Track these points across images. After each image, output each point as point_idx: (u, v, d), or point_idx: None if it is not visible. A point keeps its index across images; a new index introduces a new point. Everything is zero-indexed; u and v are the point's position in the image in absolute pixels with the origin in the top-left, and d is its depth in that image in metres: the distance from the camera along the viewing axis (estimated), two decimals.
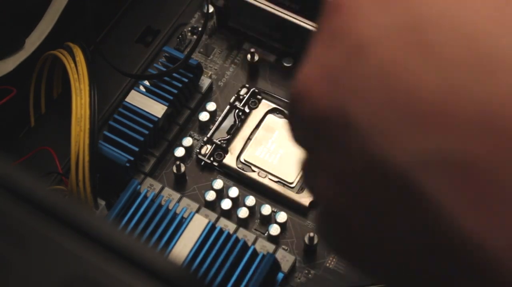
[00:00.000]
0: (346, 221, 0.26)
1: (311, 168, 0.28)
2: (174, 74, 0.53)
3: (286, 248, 0.50)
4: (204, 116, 0.54)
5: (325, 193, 0.27)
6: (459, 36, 0.23)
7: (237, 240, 0.47)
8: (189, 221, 0.48)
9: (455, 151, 0.22)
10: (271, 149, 0.53)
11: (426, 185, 0.23)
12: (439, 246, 0.23)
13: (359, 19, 0.25)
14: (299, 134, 0.28)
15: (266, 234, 0.50)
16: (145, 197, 0.49)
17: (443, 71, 0.23)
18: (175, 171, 0.52)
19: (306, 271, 0.49)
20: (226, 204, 0.50)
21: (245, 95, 0.55)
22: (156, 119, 0.51)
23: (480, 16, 0.23)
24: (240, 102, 0.55)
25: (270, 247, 0.48)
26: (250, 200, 0.51)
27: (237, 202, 0.51)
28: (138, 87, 0.53)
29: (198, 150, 0.53)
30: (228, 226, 0.49)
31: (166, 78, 0.53)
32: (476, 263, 0.23)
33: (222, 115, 0.54)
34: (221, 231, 0.48)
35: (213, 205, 0.51)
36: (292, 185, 0.51)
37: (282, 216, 0.50)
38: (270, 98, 0.55)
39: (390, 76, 0.24)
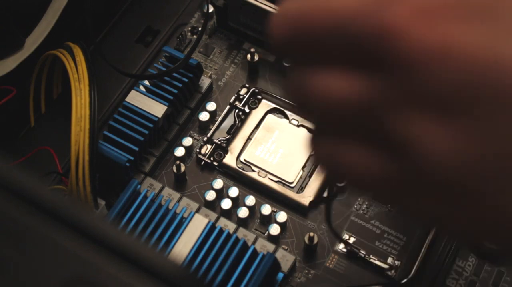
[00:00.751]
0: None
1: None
2: (174, 74, 0.53)
3: (286, 248, 0.50)
4: (204, 116, 0.54)
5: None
6: None
7: (237, 240, 0.47)
8: (189, 221, 0.48)
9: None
10: (271, 149, 0.53)
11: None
12: None
13: None
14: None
15: (266, 234, 0.50)
16: (145, 197, 0.49)
17: None
18: (175, 171, 0.52)
19: (306, 271, 0.49)
20: (226, 204, 0.50)
21: (245, 95, 0.55)
22: (156, 119, 0.51)
23: None
24: (240, 102, 0.55)
25: (270, 247, 0.48)
26: (250, 200, 0.51)
27: (237, 202, 0.51)
28: (138, 87, 0.53)
29: (198, 150, 0.53)
30: (228, 226, 0.49)
31: (166, 78, 0.53)
32: None
33: (222, 115, 0.54)
34: (221, 231, 0.48)
35: (213, 205, 0.51)
36: (292, 185, 0.51)
37: (282, 216, 0.50)
38: (270, 98, 0.55)
39: None
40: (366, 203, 0.51)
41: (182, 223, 0.48)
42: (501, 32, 0.23)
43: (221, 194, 0.51)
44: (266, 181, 0.51)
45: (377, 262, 0.49)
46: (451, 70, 0.23)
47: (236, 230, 0.49)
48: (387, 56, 0.24)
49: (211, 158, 0.53)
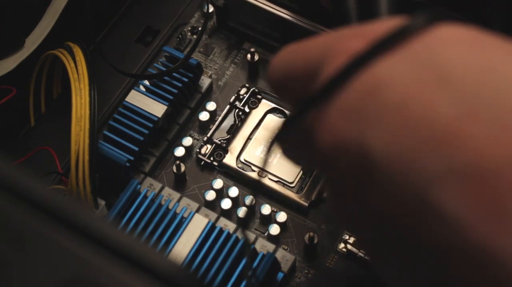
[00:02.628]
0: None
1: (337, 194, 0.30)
2: (174, 74, 0.53)
3: (286, 247, 0.50)
4: (204, 116, 0.54)
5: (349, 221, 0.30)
6: (471, 71, 0.25)
7: (237, 239, 0.47)
8: (189, 221, 0.48)
9: (468, 164, 0.24)
10: (271, 148, 0.52)
11: (441, 199, 0.24)
12: (456, 256, 0.25)
13: (375, 62, 0.27)
14: (319, 163, 0.30)
15: (266, 234, 0.50)
16: (145, 197, 0.49)
17: (457, 99, 0.25)
18: (175, 170, 0.52)
19: (306, 271, 0.49)
20: (226, 204, 0.50)
21: (245, 95, 0.55)
22: (156, 118, 0.51)
23: (491, 56, 0.26)
24: (240, 102, 0.55)
25: (270, 246, 0.48)
26: (250, 200, 0.51)
27: (237, 202, 0.51)
28: (138, 87, 0.53)
29: (198, 150, 0.53)
30: (228, 225, 0.49)
31: (166, 78, 0.53)
32: (487, 268, 0.24)
33: (222, 114, 0.54)
34: (221, 231, 0.48)
35: (213, 205, 0.51)
36: (292, 185, 0.51)
37: (282, 216, 0.50)
38: (270, 98, 0.55)
39: (406, 109, 0.26)
40: None
41: (182, 223, 0.48)
42: (365, 124, 0.27)
43: (221, 194, 0.51)
44: (266, 181, 0.51)
45: None
46: (336, 161, 0.28)
47: (236, 230, 0.49)
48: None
49: (211, 158, 0.53)
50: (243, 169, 0.52)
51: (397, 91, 0.26)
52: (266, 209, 0.50)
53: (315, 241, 0.49)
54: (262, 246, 0.48)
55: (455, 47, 0.26)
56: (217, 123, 0.54)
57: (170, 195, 0.50)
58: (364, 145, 0.26)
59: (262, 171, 0.52)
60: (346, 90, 0.28)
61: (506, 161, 0.23)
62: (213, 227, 0.48)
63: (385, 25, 0.29)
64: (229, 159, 0.52)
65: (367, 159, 0.26)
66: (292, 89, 0.33)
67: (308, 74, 0.31)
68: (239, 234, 0.48)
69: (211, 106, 0.54)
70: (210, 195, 0.51)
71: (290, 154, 0.36)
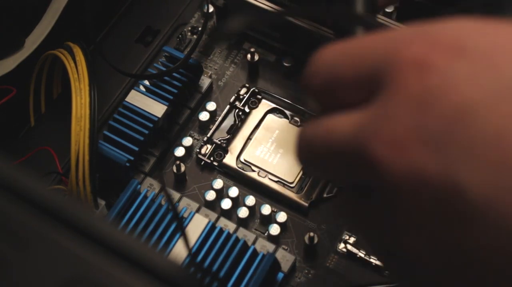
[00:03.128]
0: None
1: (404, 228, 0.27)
2: (174, 74, 0.53)
3: (286, 248, 0.50)
4: (204, 116, 0.54)
5: (417, 255, 0.27)
6: None
7: (237, 240, 0.47)
8: (189, 221, 0.48)
9: None
10: (271, 149, 0.53)
11: None
12: None
13: (458, 81, 0.24)
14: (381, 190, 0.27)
15: (266, 234, 0.50)
16: (145, 197, 0.49)
17: None
18: (175, 171, 0.52)
19: (306, 271, 0.49)
20: (226, 204, 0.50)
21: (245, 95, 0.55)
22: (156, 119, 0.51)
23: None
24: (240, 102, 0.55)
25: (270, 247, 0.48)
26: (250, 200, 0.51)
27: (237, 202, 0.51)
28: (138, 87, 0.53)
29: (198, 150, 0.53)
30: (228, 226, 0.49)
31: (166, 78, 0.53)
32: None
33: (222, 115, 0.54)
34: (221, 231, 0.48)
35: (213, 205, 0.51)
36: (292, 185, 0.51)
37: (282, 216, 0.50)
38: (270, 98, 0.55)
39: (503, 143, 0.23)
40: None
41: (182, 223, 0.48)
42: (455, 157, 0.24)
43: (221, 194, 0.51)
44: (266, 181, 0.51)
45: (377, 262, 0.48)
46: (419, 194, 0.25)
47: (236, 230, 0.49)
48: (372, 181, 0.27)
49: (211, 158, 0.53)
50: (243, 169, 0.52)
51: (492, 121, 0.23)
52: (266, 209, 0.50)
53: (315, 241, 0.49)
54: (262, 246, 0.48)
55: None
56: (217, 123, 0.54)
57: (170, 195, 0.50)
58: (456, 182, 0.24)
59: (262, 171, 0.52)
60: (429, 113, 0.24)
61: None
62: (213, 227, 0.48)
63: (451, 27, 0.25)
64: (229, 159, 0.52)
65: (460, 197, 0.24)
66: (337, 98, 0.29)
67: (361, 84, 0.27)
68: (239, 234, 0.48)
69: (211, 106, 0.54)
70: (210, 195, 0.51)
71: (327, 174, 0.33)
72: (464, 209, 0.24)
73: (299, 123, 0.53)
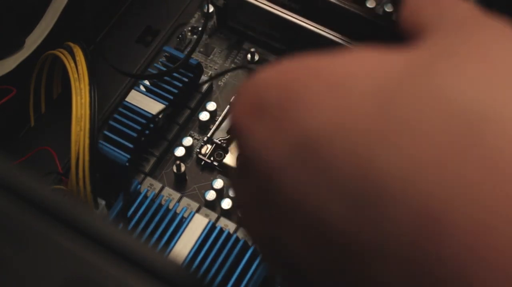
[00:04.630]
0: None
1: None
2: (174, 74, 0.53)
3: None
4: (204, 116, 0.54)
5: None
6: (350, 159, 0.21)
7: (237, 240, 0.47)
8: (189, 221, 0.48)
9: None
10: None
11: None
12: None
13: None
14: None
15: None
16: (145, 197, 0.49)
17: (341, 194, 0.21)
18: (175, 170, 0.52)
19: None
20: (226, 204, 0.50)
21: None
22: (156, 118, 0.51)
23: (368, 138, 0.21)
24: None
25: None
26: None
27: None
28: (138, 86, 0.53)
29: (198, 150, 0.53)
30: (228, 225, 0.49)
31: (166, 78, 0.53)
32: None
33: (222, 114, 0.54)
34: (221, 231, 0.48)
35: (213, 205, 0.51)
36: None
37: None
38: None
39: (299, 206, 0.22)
40: None
41: (182, 223, 0.48)
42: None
43: (221, 194, 0.51)
44: None
45: None
46: None
47: (236, 230, 0.49)
48: None
49: (211, 158, 0.53)
50: None
51: (284, 186, 0.23)
52: None
53: None
54: None
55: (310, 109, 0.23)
56: (217, 123, 0.54)
57: (170, 195, 0.50)
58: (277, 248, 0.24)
59: None
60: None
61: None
62: (213, 227, 0.48)
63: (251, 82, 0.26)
64: (230, 159, 0.52)
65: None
66: None
67: None
68: (239, 234, 0.48)
69: (211, 106, 0.54)
70: (210, 195, 0.51)
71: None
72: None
73: None
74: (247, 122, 0.24)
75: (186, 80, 0.53)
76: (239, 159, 0.25)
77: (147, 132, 0.51)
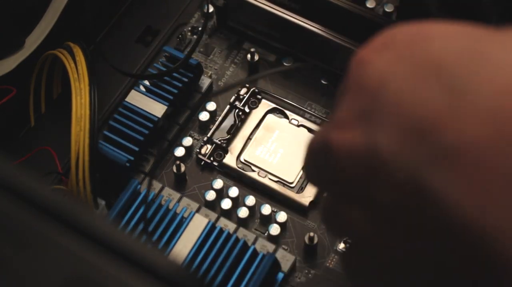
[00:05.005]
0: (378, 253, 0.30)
1: (337, 205, 0.31)
2: (174, 74, 0.53)
3: (286, 247, 0.50)
4: (204, 116, 0.54)
5: (359, 228, 0.30)
6: (455, 59, 0.27)
7: (237, 240, 0.47)
8: (189, 221, 0.48)
9: (450, 147, 0.26)
10: (271, 149, 0.53)
11: (431, 181, 0.26)
12: (450, 240, 0.26)
13: (380, 65, 0.29)
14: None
15: (266, 234, 0.50)
16: (145, 197, 0.49)
17: (442, 91, 0.27)
18: (175, 171, 0.52)
19: (306, 271, 0.49)
20: (226, 204, 0.50)
21: (245, 95, 0.55)
22: (156, 119, 0.51)
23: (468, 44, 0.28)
24: (240, 102, 0.55)
25: (270, 247, 0.48)
26: (250, 200, 0.51)
27: (237, 202, 0.51)
28: (138, 87, 0.53)
29: (198, 150, 0.53)
30: (228, 226, 0.49)
31: (166, 78, 0.53)
32: (479, 249, 0.25)
33: (222, 115, 0.54)
34: (221, 231, 0.48)
35: (213, 205, 0.51)
36: (292, 185, 0.51)
37: (282, 216, 0.50)
38: (270, 98, 0.55)
39: (400, 105, 0.28)
40: None
41: (182, 223, 0.48)
42: (375, 127, 0.29)
43: (221, 194, 0.51)
44: (266, 181, 0.51)
45: None
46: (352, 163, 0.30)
47: (236, 230, 0.49)
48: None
49: (211, 158, 0.53)
50: (243, 169, 0.52)
51: (392, 90, 0.28)
52: (266, 209, 0.50)
53: (315, 241, 0.49)
54: (262, 246, 0.48)
55: (438, 41, 0.28)
56: (217, 123, 0.54)
57: (170, 195, 0.50)
58: (372, 148, 0.28)
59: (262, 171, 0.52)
60: (359, 95, 0.29)
61: (484, 140, 0.25)
62: (213, 227, 0.48)
63: (386, 31, 0.30)
64: (229, 159, 0.52)
65: (374, 159, 0.28)
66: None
67: None
68: (239, 234, 0.48)
69: (211, 106, 0.54)
70: (210, 195, 0.51)
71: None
72: (376, 169, 0.28)
73: (299, 123, 0.53)
74: (371, 54, 0.30)
75: (186, 80, 0.53)
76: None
77: (147, 132, 0.51)
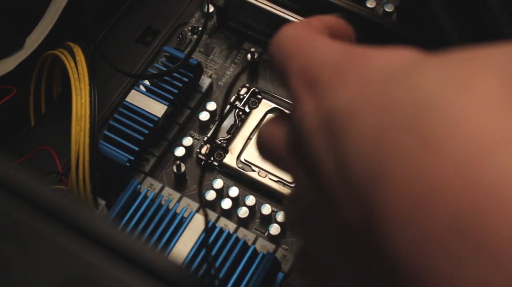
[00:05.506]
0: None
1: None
2: (174, 74, 0.53)
3: (286, 247, 0.50)
4: (204, 116, 0.54)
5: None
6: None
7: (237, 239, 0.47)
8: (189, 221, 0.48)
9: None
10: None
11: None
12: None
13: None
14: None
15: (266, 234, 0.50)
16: (145, 196, 0.49)
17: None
18: (175, 170, 0.52)
19: None
20: (226, 204, 0.50)
21: (245, 95, 0.55)
22: (156, 118, 0.51)
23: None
24: (240, 102, 0.55)
25: (270, 246, 0.48)
26: (250, 200, 0.51)
27: (237, 202, 0.51)
28: (138, 86, 0.53)
29: (198, 150, 0.53)
30: (228, 225, 0.49)
31: (166, 78, 0.53)
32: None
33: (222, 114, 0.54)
34: (221, 231, 0.48)
35: (213, 205, 0.51)
36: (292, 185, 0.51)
37: (282, 216, 0.50)
38: (270, 98, 0.55)
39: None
40: None
41: (182, 223, 0.48)
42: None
43: (221, 194, 0.51)
44: (266, 181, 0.51)
45: None
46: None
47: (236, 230, 0.49)
48: None
49: (211, 158, 0.53)
50: (243, 169, 0.52)
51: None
52: (266, 209, 0.50)
53: None
54: (262, 246, 0.48)
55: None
56: (217, 123, 0.54)
57: (170, 195, 0.50)
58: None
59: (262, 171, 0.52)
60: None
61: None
62: (213, 227, 0.48)
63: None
64: (229, 159, 0.52)
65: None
66: None
67: None
68: (239, 234, 0.48)
69: (211, 106, 0.54)
70: (211, 195, 0.51)
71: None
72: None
73: None
74: (302, 93, 0.29)
75: (186, 80, 0.53)
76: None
77: (147, 132, 0.51)
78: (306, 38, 0.31)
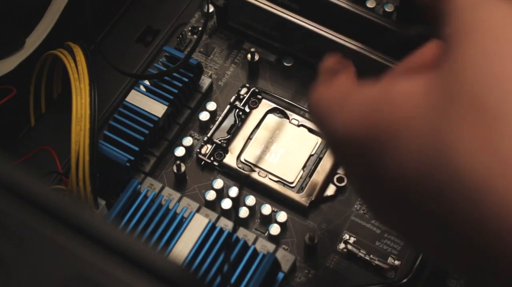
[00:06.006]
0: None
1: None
2: (174, 74, 0.53)
3: (286, 247, 0.50)
4: (204, 116, 0.54)
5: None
6: None
7: (237, 240, 0.47)
8: (189, 221, 0.48)
9: None
10: (271, 148, 0.53)
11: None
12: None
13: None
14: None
15: (266, 234, 0.50)
16: (145, 197, 0.49)
17: None
18: (175, 170, 0.52)
19: (306, 271, 0.49)
20: (226, 204, 0.50)
21: (245, 95, 0.55)
22: (156, 118, 0.51)
23: None
24: (240, 102, 0.55)
25: (271, 246, 0.48)
26: (250, 200, 0.51)
27: (237, 202, 0.51)
28: (138, 86, 0.53)
29: (198, 150, 0.53)
30: (228, 225, 0.49)
31: (166, 78, 0.53)
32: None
33: (222, 114, 0.54)
34: (221, 231, 0.48)
35: (213, 205, 0.51)
36: (292, 185, 0.51)
37: (282, 216, 0.50)
38: (270, 98, 0.55)
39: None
40: None
41: (182, 223, 0.48)
42: None
43: (221, 194, 0.51)
44: (266, 181, 0.51)
45: (377, 262, 0.48)
46: None
47: (236, 230, 0.49)
48: None
49: (211, 158, 0.53)
50: (243, 169, 0.52)
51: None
52: (266, 209, 0.50)
53: (315, 241, 0.49)
54: (262, 246, 0.48)
55: None
56: (217, 123, 0.54)
57: (170, 195, 0.50)
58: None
59: (262, 171, 0.52)
60: None
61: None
62: (213, 227, 0.48)
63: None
64: (230, 159, 0.52)
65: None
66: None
67: None
68: (239, 234, 0.48)
69: (211, 106, 0.54)
70: (210, 195, 0.51)
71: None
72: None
73: (299, 123, 0.53)
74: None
75: (186, 80, 0.53)
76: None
77: (147, 132, 0.51)
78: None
